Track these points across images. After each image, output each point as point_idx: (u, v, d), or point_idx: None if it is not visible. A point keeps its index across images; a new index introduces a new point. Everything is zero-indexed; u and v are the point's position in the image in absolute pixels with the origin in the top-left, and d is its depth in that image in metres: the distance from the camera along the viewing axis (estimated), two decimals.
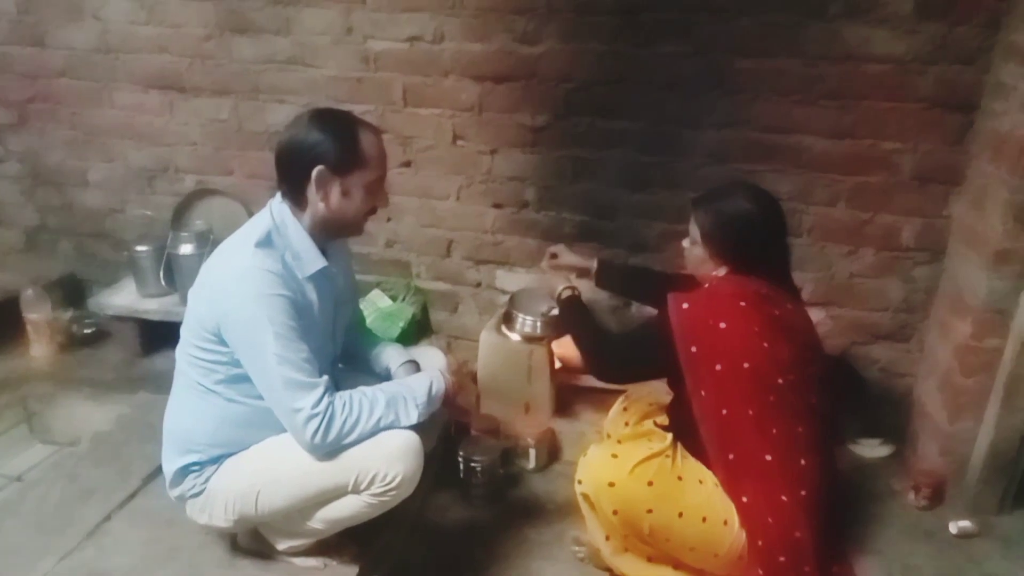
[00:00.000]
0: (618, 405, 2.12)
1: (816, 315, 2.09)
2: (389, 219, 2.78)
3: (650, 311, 2.08)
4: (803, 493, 1.68)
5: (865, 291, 2.43)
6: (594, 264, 2.16)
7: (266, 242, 1.54)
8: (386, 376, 1.83)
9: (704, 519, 1.69)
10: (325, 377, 1.53)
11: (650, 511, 1.67)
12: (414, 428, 1.59)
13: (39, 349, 2.86)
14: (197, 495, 1.65)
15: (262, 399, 1.54)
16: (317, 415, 1.48)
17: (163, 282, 2.79)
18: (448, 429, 2.23)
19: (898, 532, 2.07)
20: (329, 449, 1.52)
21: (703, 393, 1.68)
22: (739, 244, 1.72)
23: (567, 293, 2.00)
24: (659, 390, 1.98)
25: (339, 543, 1.77)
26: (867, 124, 2.24)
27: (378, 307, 2.75)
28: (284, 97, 2.70)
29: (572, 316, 1.98)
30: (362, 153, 1.56)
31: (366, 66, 2.60)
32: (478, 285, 2.81)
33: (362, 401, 1.55)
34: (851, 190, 2.33)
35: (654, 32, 2.31)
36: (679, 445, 1.80)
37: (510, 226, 2.68)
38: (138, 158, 2.97)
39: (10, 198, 3.19)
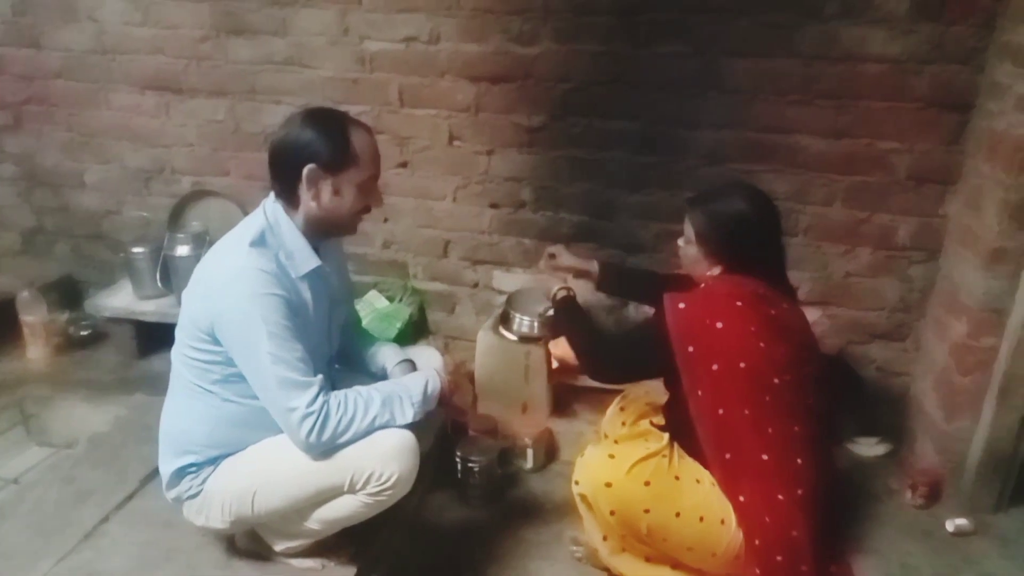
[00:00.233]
0: (615, 405, 2.12)
1: (813, 314, 2.10)
2: (386, 220, 2.78)
3: (648, 312, 2.09)
4: (800, 492, 1.68)
5: (861, 290, 2.44)
6: (594, 266, 2.15)
7: (260, 241, 1.54)
8: (383, 376, 1.83)
9: (701, 519, 1.69)
10: (320, 376, 1.52)
11: (647, 511, 1.67)
12: (410, 428, 1.59)
13: (36, 351, 2.85)
14: (194, 496, 1.65)
15: (258, 399, 1.54)
16: (312, 414, 1.48)
17: (160, 284, 2.79)
18: (445, 429, 2.23)
19: (895, 531, 2.07)
20: (324, 448, 1.52)
21: (700, 393, 1.68)
22: (733, 244, 1.72)
23: (562, 293, 2.00)
24: (656, 390, 1.98)
25: (337, 544, 1.76)
26: (863, 124, 2.25)
27: (375, 308, 2.75)
28: (281, 98, 2.70)
29: (567, 316, 1.98)
30: (353, 152, 1.56)
31: (362, 67, 2.60)
32: (475, 285, 2.81)
33: (357, 400, 1.55)
34: (847, 190, 2.33)
35: (651, 32, 2.32)
36: (676, 445, 1.80)
37: (507, 226, 2.68)
38: (134, 159, 2.97)
39: (6, 200, 3.18)
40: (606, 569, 1.85)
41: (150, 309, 2.80)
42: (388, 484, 1.54)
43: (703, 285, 1.78)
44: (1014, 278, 1.97)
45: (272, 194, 1.62)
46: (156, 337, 2.75)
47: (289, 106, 2.66)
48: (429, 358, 1.89)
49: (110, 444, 2.23)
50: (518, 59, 2.44)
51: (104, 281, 3.04)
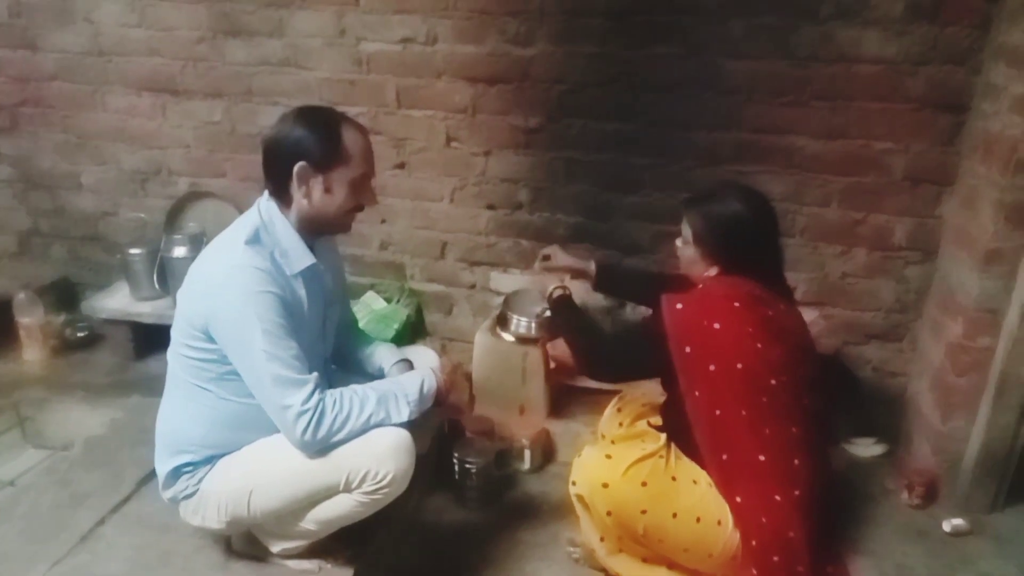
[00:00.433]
0: (612, 406, 2.12)
1: (809, 315, 2.10)
2: (383, 221, 2.78)
3: (646, 312, 2.09)
4: (797, 493, 1.68)
5: (858, 291, 2.44)
6: (591, 267, 2.15)
7: (254, 239, 1.54)
8: (380, 376, 1.83)
9: (698, 519, 1.69)
10: (315, 374, 1.52)
11: (644, 512, 1.67)
12: (407, 428, 1.59)
13: (32, 353, 2.85)
14: (190, 496, 1.65)
15: (254, 398, 1.54)
16: (307, 411, 1.48)
17: (156, 285, 2.78)
18: (442, 430, 2.23)
19: (891, 531, 2.07)
20: (320, 446, 1.52)
21: (696, 393, 1.69)
22: (730, 245, 1.73)
23: (558, 293, 2.01)
24: (652, 391, 1.98)
25: (334, 545, 1.76)
26: (859, 125, 2.25)
27: (372, 309, 2.75)
28: (277, 99, 2.70)
29: (563, 316, 1.98)
30: (344, 149, 1.56)
31: (359, 68, 2.60)
32: (472, 287, 2.81)
33: (352, 398, 1.55)
34: (843, 191, 2.34)
35: (646, 34, 2.32)
36: (673, 446, 1.80)
37: (504, 228, 2.68)
38: (131, 161, 2.97)
39: (2, 202, 3.17)
40: (603, 570, 1.85)
41: (147, 311, 2.79)
42: (384, 483, 1.54)
43: (700, 286, 1.79)
44: (1009, 278, 1.97)
45: (266, 192, 1.62)
46: (153, 339, 2.74)
47: (285, 108, 2.63)
48: (426, 358, 1.89)
49: (106, 447, 2.22)
50: (515, 60, 2.45)
51: (101, 283, 3.03)
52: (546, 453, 2.36)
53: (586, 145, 2.50)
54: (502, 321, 2.41)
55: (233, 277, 1.49)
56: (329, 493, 1.57)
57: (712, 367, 1.66)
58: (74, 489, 2.02)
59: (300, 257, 1.60)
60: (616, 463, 1.71)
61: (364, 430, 1.54)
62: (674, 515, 1.68)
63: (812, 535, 1.70)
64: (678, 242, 1.84)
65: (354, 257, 2.82)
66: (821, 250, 2.42)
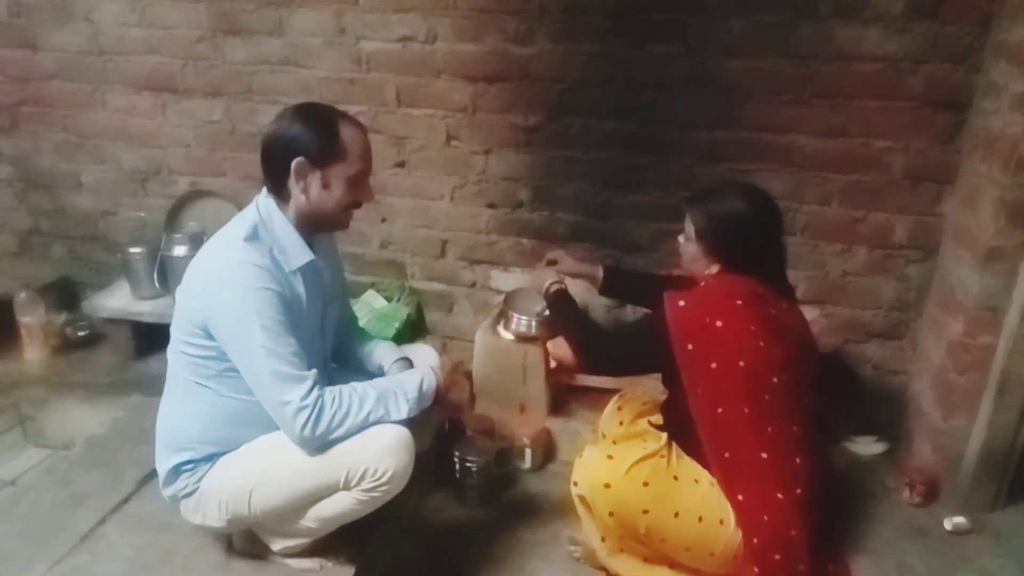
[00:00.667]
0: (612, 404, 2.13)
1: (810, 313, 2.10)
2: (383, 220, 2.78)
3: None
4: (798, 492, 1.68)
5: (858, 289, 2.44)
6: (597, 271, 2.14)
7: (253, 236, 1.54)
8: (379, 374, 1.83)
9: (700, 519, 1.69)
10: (314, 371, 1.52)
11: (646, 512, 1.67)
12: (408, 427, 1.59)
13: (33, 353, 2.85)
14: (190, 494, 1.65)
15: (253, 395, 1.54)
16: (306, 407, 1.48)
17: (157, 284, 2.78)
18: (443, 429, 2.23)
19: (892, 529, 2.07)
20: (319, 443, 1.52)
21: (698, 391, 1.69)
22: (732, 242, 1.73)
23: (555, 287, 2.01)
24: (653, 388, 1.98)
25: (335, 544, 1.76)
26: (859, 123, 2.25)
27: (373, 308, 2.75)
28: (277, 98, 2.70)
29: (561, 309, 1.99)
30: (342, 145, 1.56)
31: (358, 67, 2.60)
32: (473, 285, 2.81)
33: (352, 395, 1.55)
34: (844, 189, 2.34)
35: (646, 33, 2.32)
36: (674, 445, 1.80)
37: (504, 226, 2.68)
38: (131, 160, 2.97)
39: (2, 202, 3.17)
40: (604, 569, 1.85)
41: (147, 310, 2.80)
42: (383, 480, 1.54)
43: (703, 284, 1.79)
44: (1010, 276, 1.97)
45: (264, 189, 1.62)
46: (153, 338, 2.74)
47: (285, 106, 2.64)
48: (425, 356, 1.89)
49: (107, 446, 2.22)
50: (514, 59, 2.44)
51: (101, 282, 3.04)
52: (547, 452, 2.36)
53: (586, 144, 2.49)
54: (503, 319, 2.41)
55: (232, 274, 1.49)
56: (329, 491, 1.57)
57: (714, 365, 1.66)
58: (75, 488, 2.02)
59: (298, 254, 1.60)
60: (617, 463, 1.70)
61: (363, 427, 1.54)
62: (676, 515, 1.68)
63: (813, 533, 1.70)
64: (680, 238, 1.84)
65: (354, 256, 2.82)
66: (821, 248, 2.42)
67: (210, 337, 1.53)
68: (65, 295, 3.11)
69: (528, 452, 2.30)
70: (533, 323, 2.35)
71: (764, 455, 1.67)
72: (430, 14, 2.46)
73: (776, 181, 2.33)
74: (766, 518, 1.67)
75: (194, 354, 1.58)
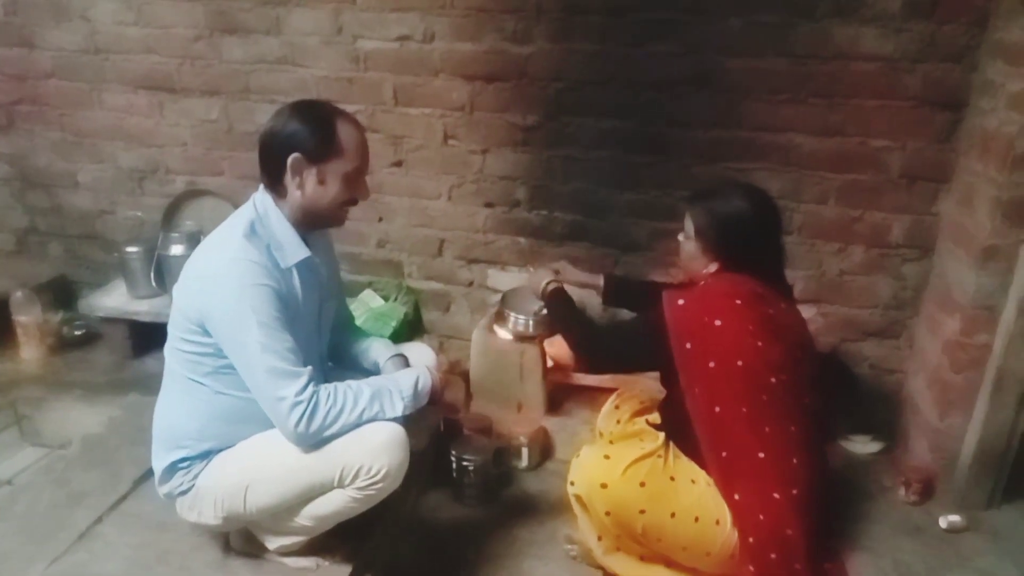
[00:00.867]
0: (610, 403, 2.13)
1: (806, 312, 2.10)
2: (380, 219, 2.78)
3: None
4: (795, 491, 1.68)
5: (855, 288, 2.44)
6: (600, 281, 2.14)
7: (250, 233, 1.55)
8: (375, 371, 1.83)
9: (696, 519, 1.69)
10: (309, 367, 1.53)
11: (643, 512, 1.67)
12: (404, 425, 1.59)
13: (29, 352, 2.84)
14: (186, 492, 1.65)
15: (249, 392, 1.54)
16: (301, 403, 1.48)
17: (154, 283, 2.78)
18: (438, 427, 2.23)
19: (888, 527, 2.08)
20: (313, 439, 1.52)
21: (696, 390, 1.69)
22: (732, 242, 1.73)
23: (552, 286, 2.02)
24: (650, 387, 1.98)
25: (331, 542, 1.76)
26: (856, 122, 2.25)
27: (370, 307, 2.75)
28: (274, 97, 2.69)
29: (558, 308, 1.99)
30: (339, 142, 1.56)
31: (356, 66, 2.60)
32: (470, 284, 2.81)
33: (347, 392, 1.55)
34: (840, 188, 2.34)
35: (644, 32, 2.32)
36: (671, 444, 1.80)
37: (501, 225, 2.68)
38: (128, 159, 2.96)
39: None
40: (600, 568, 1.85)
41: (144, 309, 2.79)
42: (377, 478, 1.54)
43: (702, 283, 1.79)
44: (1006, 275, 1.97)
45: (261, 186, 1.63)
46: (150, 337, 2.74)
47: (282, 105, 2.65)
48: (421, 354, 1.89)
49: (104, 445, 2.22)
50: (512, 58, 2.44)
51: (98, 281, 3.03)
52: (544, 451, 2.36)
53: (584, 143, 2.49)
54: (500, 319, 2.42)
55: (228, 270, 1.50)
56: (324, 488, 1.57)
57: (712, 364, 1.66)
58: (72, 488, 2.02)
59: (295, 250, 1.60)
60: (614, 463, 1.71)
61: (357, 424, 1.54)
62: (672, 514, 1.68)
63: (810, 533, 1.70)
64: (680, 236, 1.84)
65: (352, 255, 2.82)
66: (818, 247, 2.42)
67: (207, 334, 1.53)
68: (62, 294, 3.10)
69: (525, 451, 2.30)
70: (530, 322, 2.35)
71: (762, 455, 1.67)
72: (428, 13, 2.46)
73: (774, 180, 2.34)
74: (762, 517, 1.67)
75: (190, 351, 1.58)
